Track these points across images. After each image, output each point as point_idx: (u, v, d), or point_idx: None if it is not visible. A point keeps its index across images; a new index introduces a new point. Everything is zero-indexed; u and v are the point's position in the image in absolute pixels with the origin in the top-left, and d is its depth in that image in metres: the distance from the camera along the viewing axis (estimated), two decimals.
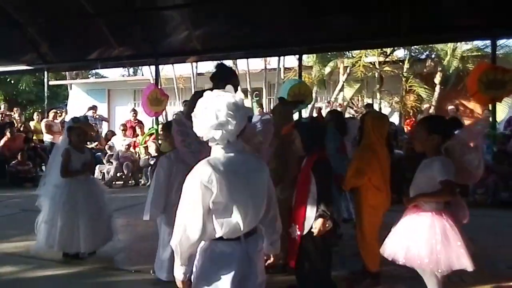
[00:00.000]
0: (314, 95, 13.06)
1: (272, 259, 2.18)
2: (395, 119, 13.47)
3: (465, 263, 2.59)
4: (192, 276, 1.93)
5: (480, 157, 2.79)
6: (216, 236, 1.87)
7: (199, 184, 1.80)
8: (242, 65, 16.00)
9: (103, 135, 11.07)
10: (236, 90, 3.78)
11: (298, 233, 2.92)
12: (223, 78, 3.63)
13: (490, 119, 7.35)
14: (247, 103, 14.28)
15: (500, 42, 11.25)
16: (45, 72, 10.09)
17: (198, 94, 3.90)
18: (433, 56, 13.42)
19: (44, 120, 10.25)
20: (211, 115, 1.80)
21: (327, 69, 14.06)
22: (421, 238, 2.66)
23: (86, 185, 4.17)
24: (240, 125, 1.84)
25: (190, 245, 1.84)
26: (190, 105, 3.93)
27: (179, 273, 1.90)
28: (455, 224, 2.68)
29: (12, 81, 21.27)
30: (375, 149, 3.32)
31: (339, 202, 4.16)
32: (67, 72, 19.15)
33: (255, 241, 1.98)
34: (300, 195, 2.99)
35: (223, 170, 1.82)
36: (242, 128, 1.88)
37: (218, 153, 1.89)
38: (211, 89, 3.74)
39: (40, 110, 13.70)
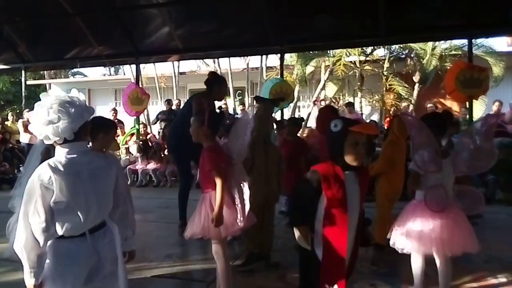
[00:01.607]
0: (296, 94, 13.17)
1: (127, 257, 2.26)
2: (375, 117, 13.66)
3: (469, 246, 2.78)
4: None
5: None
6: (58, 235, 1.92)
7: (40, 185, 1.85)
8: (224, 64, 15.99)
9: None
10: (224, 93, 4.96)
11: None
12: (215, 83, 4.72)
13: (467, 116, 7.52)
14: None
15: (478, 41, 11.54)
16: (23, 72, 9.90)
17: (197, 97, 4.55)
18: (412, 55, 13.63)
19: (21, 120, 10.04)
20: (43, 112, 1.88)
21: (309, 68, 14.14)
22: (422, 225, 2.80)
23: None
24: (75, 123, 1.90)
25: (35, 247, 1.86)
26: (190, 107, 4.38)
27: (29, 278, 1.89)
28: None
29: None
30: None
31: None
32: (46, 72, 18.80)
33: (102, 235, 2.03)
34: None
35: (63, 171, 1.88)
36: (82, 127, 1.93)
37: (60, 155, 1.95)
38: (206, 93, 4.67)
39: (18, 111, 13.40)
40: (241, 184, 2.82)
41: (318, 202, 2.19)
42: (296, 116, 13.05)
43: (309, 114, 13.78)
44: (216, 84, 4.76)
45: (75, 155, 1.95)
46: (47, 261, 1.94)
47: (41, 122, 1.88)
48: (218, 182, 2.70)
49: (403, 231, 2.86)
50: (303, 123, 8.93)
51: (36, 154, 4.17)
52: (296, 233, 2.23)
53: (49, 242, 1.92)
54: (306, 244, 2.21)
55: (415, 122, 2.96)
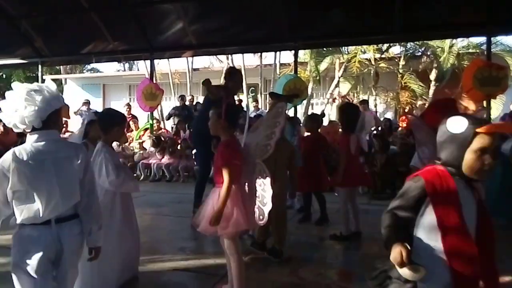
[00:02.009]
0: (310, 91, 13.10)
1: (93, 254, 2.19)
2: (389, 115, 13.53)
3: None
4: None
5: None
6: (18, 222, 1.95)
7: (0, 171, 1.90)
8: (237, 61, 15.99)
9: None
10: (238, 85, 5.20)
11: None
12: (229, 77, 4.98)
13: (485, 115, 7.38)
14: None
15: (497, 39, 11.32)
16: (39, 66, 10.03)
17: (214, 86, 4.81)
18: (428, 53, 13.44)
19: None
20: (11, 100, 1.93)
21: (323, 65, 14.06)
22: None
23: None
24: (42, 111, 1.92)
25: None
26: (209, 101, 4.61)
27: None
28: None
29: (4, 76, 21.18)
30: None
31: None
32: (61, 67, 19.05)
33: (70, 226, 2.03)
34: None
35: (26, 159, 1.91)
36: (51, 115, 1.96)
37: (28, 141, 1.97)
38: (223, 86, 4.99)
39: None
40: (262, 183, 2.77)
41: (419, 219, 1.71)
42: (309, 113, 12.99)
43: (323, 111, 13.71)
44: (231, 78, 4.97)
45: (42, 143, 1.96)
46: (12, 246, 1.97)
47: (9, 110, 1.92)
48: (226, 179, 2.63)
49: None
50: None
51: None
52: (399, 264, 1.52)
53: (16, 228, 1.97)
54: (413, 275, 1.53)
55: (416, 121, 3.14)
